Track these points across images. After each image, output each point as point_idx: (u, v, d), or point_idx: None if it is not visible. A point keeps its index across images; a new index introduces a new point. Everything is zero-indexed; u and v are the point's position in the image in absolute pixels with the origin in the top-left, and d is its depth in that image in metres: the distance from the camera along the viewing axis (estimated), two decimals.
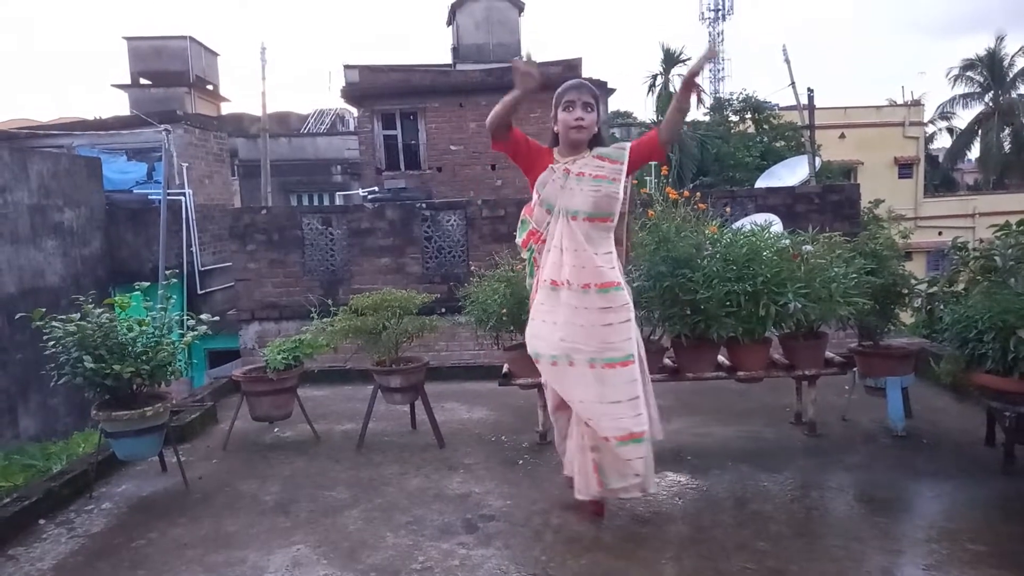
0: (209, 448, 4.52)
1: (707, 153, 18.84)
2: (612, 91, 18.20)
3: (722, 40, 37.73)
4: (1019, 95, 32.23)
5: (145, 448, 3.77)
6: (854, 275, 3.81)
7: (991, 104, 32.26)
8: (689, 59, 23.63)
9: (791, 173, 13.60)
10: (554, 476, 3.73)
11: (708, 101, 24.95)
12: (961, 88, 33.00)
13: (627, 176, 3.18)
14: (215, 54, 23.03)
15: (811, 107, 14.97)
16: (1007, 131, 32.04)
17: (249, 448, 4.48)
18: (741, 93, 21.98)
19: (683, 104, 3.13)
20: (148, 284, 4.12)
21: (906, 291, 4.16)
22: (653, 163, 3.33)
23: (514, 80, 2.95)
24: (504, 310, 4.07)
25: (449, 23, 19.52)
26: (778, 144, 19.99)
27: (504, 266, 4.38)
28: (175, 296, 4.17)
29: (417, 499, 3.53)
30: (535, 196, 3.23)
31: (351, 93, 16.63)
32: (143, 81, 20.98)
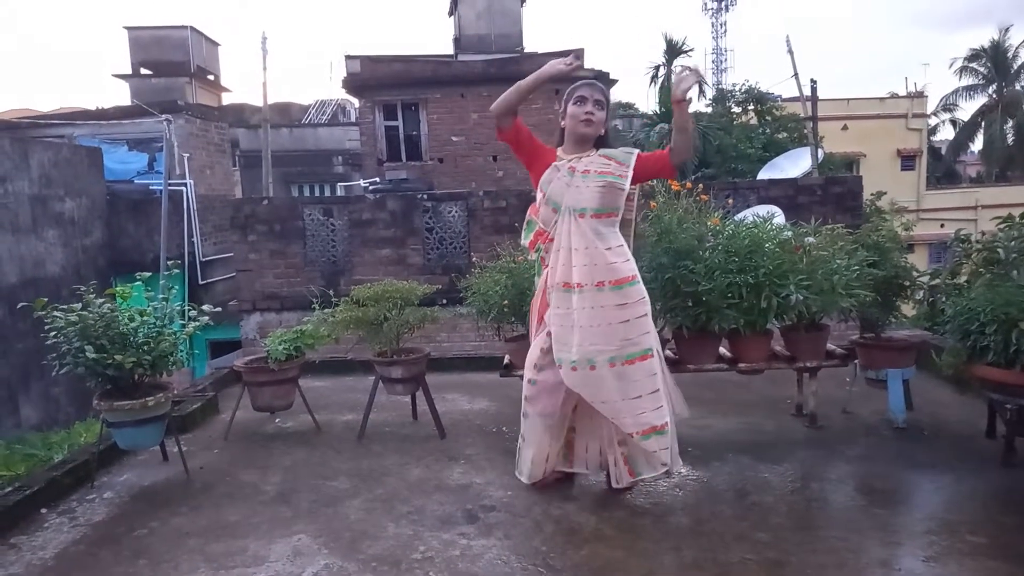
0: (210, 438, 4.53)
1: (709, 144, 18.77)
2: (614, 82, 18.12)
3: (724, 31, 37.57)
4: (1023, 87, 32.10)
5: (146, 438, 3.78)
6: (856, 267, 3.81)
7: (995, 96, 32.14)
8: (692, 50, 23.58)
9: (793, 165, 13.55)
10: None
11: (710, 92, 24.88)
12: (967, 80, 32.90)
13: (634, 182, 3.18)
14: (216, 44, 22.95)
15: (814, 99, 14.90)
16: (1010, 123, 31.94)
17: (250, 438, 4.49)
18: (744, 84, 21.86)
19: (680, 123, 3.12)
20: (149, 274, 4.13)
21: (908, 283, 4.15)
22: (685, 158, 3.30)
23: (548, 71, 3.02)
24: (505, 301, 4.07)
25: (451, 13, 19.43)
26: (780, 136, 19.90)
27: (505, 257, 4.38)
28: (176, 286, 4.17)
29: (418, 489, 3.54)
30: (539, 195, 3.22)
31: (352, 83, 16.58)
32: (144, 71, 20.91)
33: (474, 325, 4.56)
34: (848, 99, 26.44)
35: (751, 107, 21.04)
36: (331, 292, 4.73)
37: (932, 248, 22.50)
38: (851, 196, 10.27)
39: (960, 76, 33.14)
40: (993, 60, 31.80)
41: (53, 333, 3.54)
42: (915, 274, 4.17)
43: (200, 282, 12.88)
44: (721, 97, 22.75)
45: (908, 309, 4.51)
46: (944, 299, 3.94)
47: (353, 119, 22.51)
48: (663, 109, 19.83)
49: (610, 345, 3.04)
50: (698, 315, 3.80)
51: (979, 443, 3.84)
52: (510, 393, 5.02)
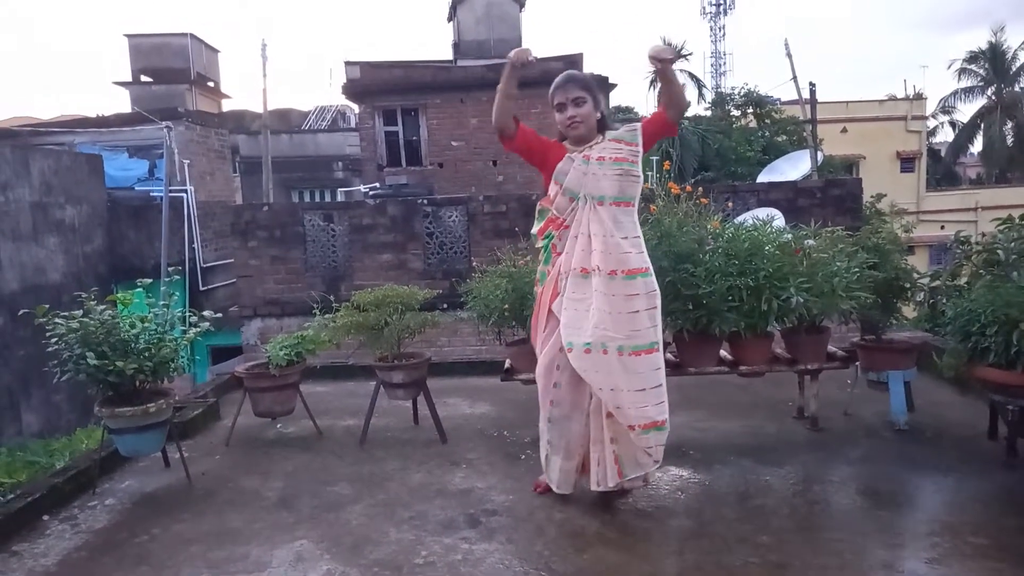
0: (212, 444, 4.52)
1: (708, 148, 18.79)
2: (613, 86, 18.15)
3: (723, 35, 37.65)
4: (1022, 88, 32.13)
5: (148, 444, 3.78)
6: (856, 269, 3.81)
7: (993, 98, 32.17)
8: (691, 54, 23.61)
9: (793, 167, 13.57)
10: None
11: (709, 96, 24.89)
12: (965, 82, 32.93)
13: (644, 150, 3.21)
14: (216, 51, 22.99)
15: (813, 101, 14.92)
16: (1009, 125, 31.96)
17: (252, 444, 4.48)
18: (743, 88, 21.91)
19: (664, 78, 3.13)
20: (150, 281, 4.13)
21: (908, 285, 4.15)
22: (653, 158, 3.33)
23: (511, 61, 3.08)
24: (506, 306, 4.07)
25: (450, 19, 19.47)
26: (780, 139, 19.94)
27: (506, 262, 4.38)
28: (177, 293, 4.18)
29: (420, 494, 3.53)
30: (554, 187, 3.20)
31: (352, 89, 16.61)
32: (144, 78, 20.95)
33: (475, 329, 4.56)
34: (847, 102, 26.50)
35: (750, 110, 21.08)
36: (332, 297, 4.73)
37: (932, 250, 22.51)
38: (851, 198, 10.28)
39: (959, 78, 33.21)
40: (992, 62, 31.84)
41: (54, 340, 3.54)
42: (915, 276, 4.17)
43: (201, 288, 12.89)
44: (720, 100, 22.80)
45: (909, 311, 4.52)
46: (944, 301, 3.94)
47: (353, 125, 22.55)
48: None
49: (619, 333, 3.02)
50: (699, 318, 3.80)
51: (981, 444, 3.83)
52: (511, 397, 5.03)
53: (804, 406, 4.38)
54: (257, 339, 10.09)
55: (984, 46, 32.08)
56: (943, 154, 35.44)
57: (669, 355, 4.13)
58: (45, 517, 3.40)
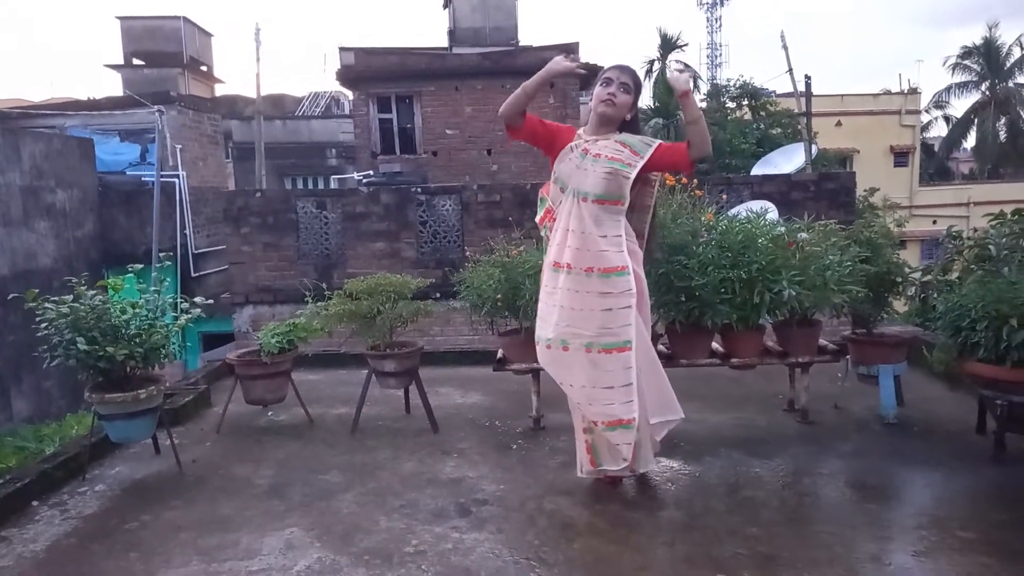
0: (203, 431, 4.52)
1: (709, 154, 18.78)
2: None
3: (719, 26, 37.54)
4: (1016, 84, 32.22)
5: (138, 431, 3.76)
6: (848, 263, 3.82)
7: (987, 93, 32.23)
8: (686, 45, 23.59)
9: (787, 160, 13.57)
10: (547, 461, 3.75)
11: (705, 87, 24.87)
12: (959, 77, 32.98)
13: (648, 171, 3.20)
14: (209, 35, 22.79)
15: (808, 94, 14.91)
16: (1003, 120, 32.04)
17: (243, 431, 4.48)
18: (738, 80, 21.88)
19: (689, 116, 3.12)
20: (141, 266, 4.10)
21: (900, 279, 4.17)
22: (703, 154, 3.30)
23: (552, 68, 3.08)
24: (499, 295, 4.07)
25: (445, 6, 19.35)
26: (774, 131, 19.94)
27: (499, 251, 4.37)
28: (169, 279, 4.16)
29: (411, 483, 3.54)
30: (553, 174, 3.25)
31: (346, 76, 16.51)
32: (136, 61, 20.77)
33: (467, 319, 4.56)
34: (842, 95, 26.49)
35: (745, 102, 21.06)
36: (324, 285, 4.72)
37: (924, 244, 22.59)
38: (844, 192, 10.30)
39: (953, 73, 33.25)
40: (986, 57, 31.89)
41: (44, 325, 3.51)
42: (907, 270, 4.18)
43: (192, 275, 12.83)
44: (715, 92, 22.78)
45: (900, 305, 4.54)
46: (936, 295, 3.96)
47: (347, 111, 22.44)
48: (658, 104, 19.84)
49: (588, 330, 3.05)
50: (691, 310, 3.81)
51: (970, 439, 3.86)
52: (503, 387, 5.04)
53: (795, 399, 4.40)
54: (249, 326, 10.07)
55: (979, 41, 32.13)
56: (936, 149, 35.53)
57: (661, 347, 4.14)
58: (35, 503, 3.39)
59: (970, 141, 34.30)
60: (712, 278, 3.69)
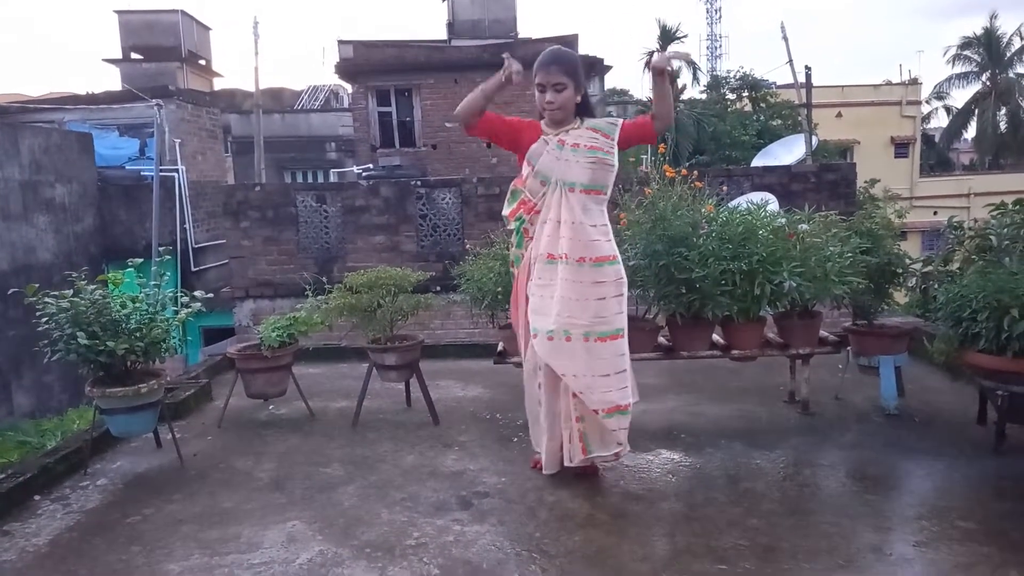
0: (204, 425, 4.52)
1: (704, 131, 18.75)
2: (608, 68, 18.08)
3: (719, 17, 37.46)
4: (1016, 75, 32.13)
5: (139, 425, 3.77)
6: (849, 254, 3.81)
7: (988, 83, 32.15)
8: (686, 36, 23.45)
9: (788, 152, 13.55)
10: None
11: (704, 79, 24.79)
12: (960, 67, 32.89)
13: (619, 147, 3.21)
14: (207, 28, 22.73)
15: (808, 85, 14.89)
16: (1003, 111, 31.97)
17: (244, 425, 4.48)
18: (738, 71, 21.83)
19: (660, 91, 3.12)
20: (141, 261, 4.10)
21: (901, 270, 4.16)
22: (667, 121, 3.31)
23: (504, 75, 3.03)
24: (499, 288, 4.06)
25: None
26: (775, 123, 19.91)
27: (499, 244, 4.36)
28: (169, 273, 4.15)
29: (412, 476, 3.54)
30: (526, 168, 3.22)
31: (345, 69, 16.49)
32: (134, 56, 20.72)
33: (468, 312, 4.55)
34: (842, 86, 26.44)
35: (746, 94, 21.02)
36: (324, 279, 4.71)
37: (925, 235, 22.56)
38: (845, 183, 10.29)
39: (953, 64, 33.16)
40: (987, 48, 31.79)
41: (45, 320, 3.51)
42: (908, 261, 4.18)
43: (192, 269, 12.84)
44: (716, 84, 22.73)
45: (900, 296, 4.53)
46: (936, 286, 3.95)
47: (346, 105, 22.39)
48: None
49: (583, 319, 3.07)
50: (692, 302, 3.81)
51: (970, 430, 3.86)
52: (504, 380, 5.03)
53: (795, 390, 4.40)
54: (249, 320, 10.08)
55: (979, 32, 32.04)
56: (937, 140, 35.47)
57: (662, 339, 4.14)
58: (36, 497, 3.40)
59: (971, 132, 34.25)
60: (713, 270, 3.68)
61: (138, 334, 3.60)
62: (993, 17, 31.80)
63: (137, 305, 3.71)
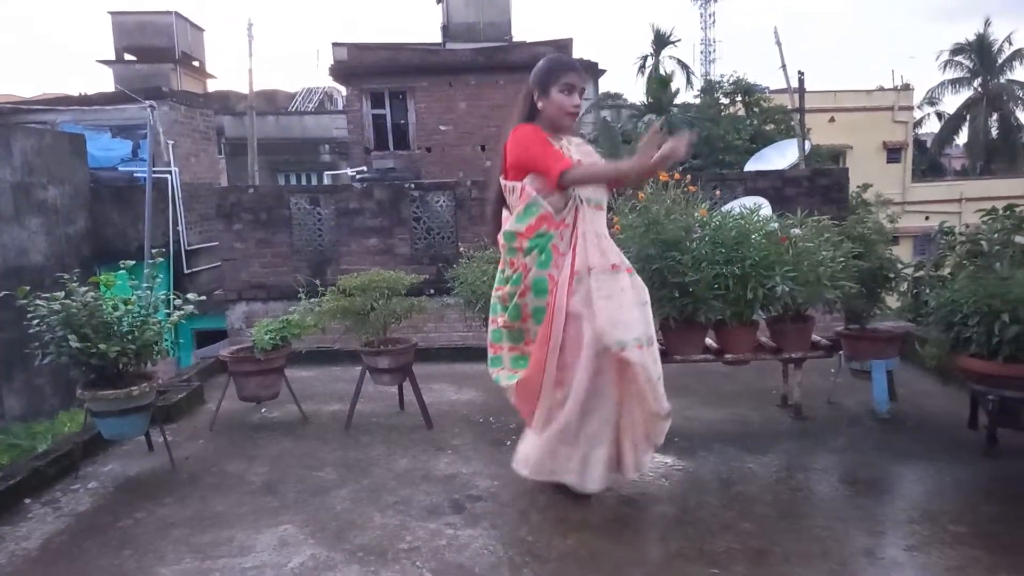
0: (196, 428, 4.50)
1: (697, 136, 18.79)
2: (602, 72, 18.12)
3: (713, 22, 37.60)
4: (1007, 81, 32.34)
5: (131, 428, 3.75)
6: (841, 259, 3.83)
7: (979, 89, 32.35)
8: (679, 40, 23.57)
9: (781, 156, 13.61)
10: None
11: (698, 83, 24.84)
12: (951, 73, 33.10)
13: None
14: (201, 30, 22.72)
15: (801, 90, 14.93)
16: (995, 117, 32.17)
17: (236, 428, 4.47)
18: (732, 76, 21.90)
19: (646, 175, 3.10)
20: (134, 263, 4.08)
21: (893, 275, 4.18)
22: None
23: (648, 156, 2.69)
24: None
25: (439, 1, 19.31)
26: (768, 127, 19.97)
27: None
28: (161, 275, 4.14)
29: (405, 480, 3.53)
30: (541, 180, 2.90)
31: (339, 71, 16.48)
32: (128, 57, 20.68)
33: (461, 315, 4.56)
34: (835, 91, 26.53)
35: (739, 98, 21.08)
36: (318, 282, 4.70)
37: (917, 240, 22.67)
38: (837, 188, 10.34)
39: (945, 69, 33.37)
40: (979, 54, 32.00)
41: (36, 322, 3.50)
42: (900, 266, 4.20)
43: (185, 271, 12.80)
44: (709, 88, 22.78)
45: (892, 301, 4.55)
46: (928, 291, 3.97)
47: (340, 107, 22.38)
48: (650, 100, 19.83)
49: (644, 328, 2.97)
50: (685, 306, 3.81)
51: (962, 433, 3.87)
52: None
53: (788, 394, 4.41)
54: (242, 323, 10.05)
55: (971, 38, 32.23)
56: (929, 145, 35.65)
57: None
58: (27, 500, 3.38)
59: (962, 137, 34.46)
60: (706, 274, 3.69)
61: (130, 336, 3.58)
62: (987, 24, 31.99)
63: (129, 307, 3.69)
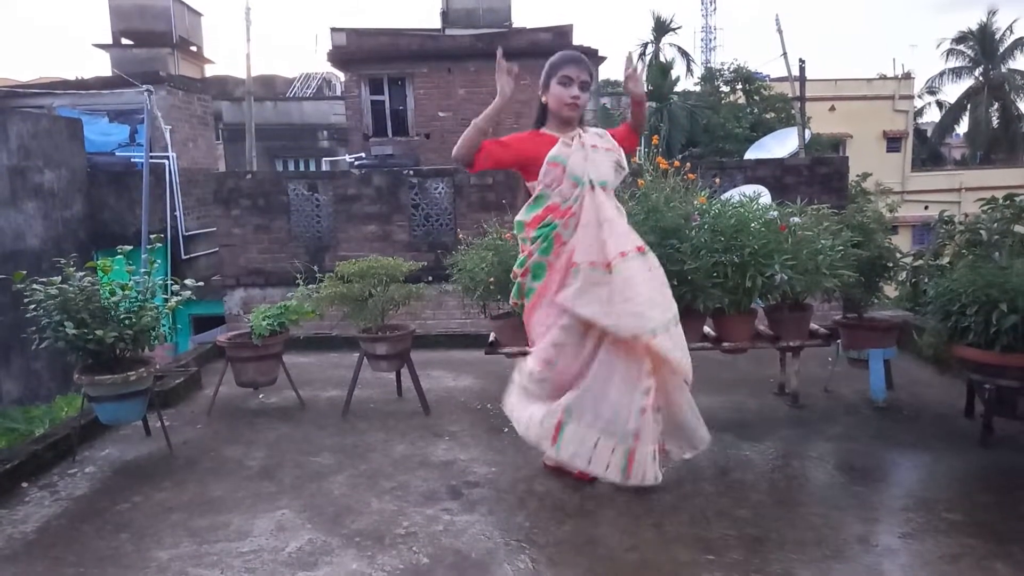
0: (193, 413, 4.51)
1: (696, 124, 18.74)
2: (603, 59, 18.01)
3: (714, 9, 37.41)
4: (1009, 70, 32.24)
5: (128, 412, 3.75)
6: (840, 248, 3.82)
7: (980, 78, 32.25)
8: (680, 27, 23.47)
9: (780, 145, 13.59)
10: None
11: (698, 71, 24.74)
12: (953, 62, 32.99)
13: None
14: (199, 14, 22.55)
15: (802, 79, 14.88)
16: (995, 106, 32.09)
17: (234, 414, 4.47)
18: (732, 64, 21.82)
19: (639, 103, 3.22)
20: (131, 248, 4.06)
21: (891, 264, 4.18)
22: (643, 133, 3.38)
23: (498, 81, 2.94)
24: (491, 279, 4.06)
25: None
26: (768, 116, 19.93)
27: (492, 234, 4.35)
28: (159, 260, 4.13)
29: (402, 465, 3.54)
30: (553, 171, 2.97)
31: (338, 57, 16.37)
32: (125, 41, 20.54)
33: (460, 302, 4.56)
34: (836, 80, 26.47)
35: (739, 86, 21.02)
36: (316, 268, 4.71)
37: (916, 230, 22.70)
38: (837, 177, 10.31)
39: (947, 58, 33.26)
40: (980, 42, 31.87)
41: (33, 307, 3.49)
42: (898, 255, 4.20)
43: (183, 257, 12.78)
44: (709, 76, 22.72)
45: (891, 290, 4.56)
46: (926, 280, 3.97)
47: (339, 93, 22.28)
48: (650, 87, 19.76)
49: (669, 308, 2.97)
50: (683, 294, 3.80)
51: (958, 422, 3.89)
52: (495, 370, 5.04)
53: (785, 383, 4.42)
54: (240, 309, 10.04)
55: (974, 26, 32.11)
56: (929, 134, 35.58)
57: None
58: (24, 484, 3.38)
59: (962, 127, 34.38)
60: (704, 262, 3.69)
61: (127, 322, 3.58)
62: (992, 13, 31.88)
63: (126, 293, 3.69)
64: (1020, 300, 3.22)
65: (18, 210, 10.67)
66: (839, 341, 4.35)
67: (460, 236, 4.91)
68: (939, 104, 35.28)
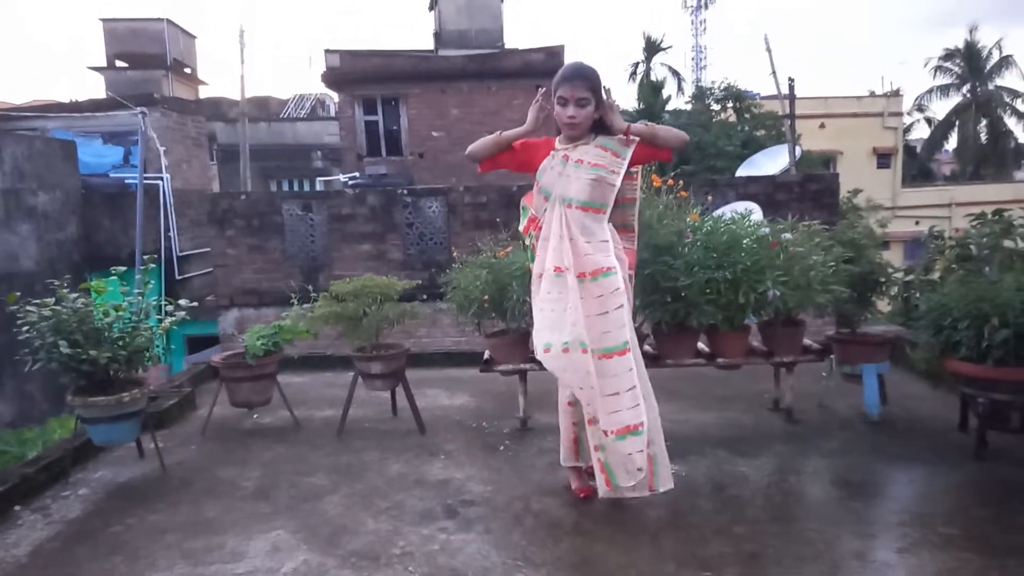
0: (187, 434, 4.49)
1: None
2: None
3: (704, 28, 37.74)
4: (996, 86, 32.61)
5: (122, 434, 3.73)
6: (832, 263, 3.85)
7: (968, 95, 32.61)
8: (670, 47, 23.70)
9: (772, 162, 13.66)
10: (535, 462, 3.75)
11: (689, 90, 24.94)
12: (941, 79, 33.37)
13: (632, 165, 3.17)
14: (193, 37, 22.66)
15: (792, 96, 15.00)
16: (984, 123, 32.42)
17: (228, 434, 4.45)
18: (723, 82, 22.01)
19: (654, 141, 3.17)
20: (125, 269, 4.07)
21: (883, 279, 4.21)
22: (668, 145, 3.31)
23: (529, 112, 3.13)
24: (486, 297, 4.07)
25: (431, 8, 19.36)
26: (759, 133, 20.07)
27: (486, 252, 4.37)
28: (153, 281, 4.12)
29: (398, 485, 3.53)
30: (535, 184, 3.18)
31: (332, 78, 16.48)
32: (119, 63, 20.62)
33: (454, 321, 4.55)
34: (826, 97, 26.69)
35: (730, 104, 21.18)
36: (310, 287, 4.70)
37: (907, 245, 22.74)
38: (828, 193, 10.37)
39: (935, 75, 33.63)
40: (967, 60, 32.27)
41: (26, 328, 3.48)
42: (890, 270, 4.22)
43: (177, 277, 12.74)
44: (700, 94, 22.89)
45: (883, 305, 4.58)
46: (918, 295, 4.00)
47: (332, 114, 22.40)
48: (643, 105, 19.91)
49: (591, 335, 2.94)
50: (677, 310, 3.83)
51: (952, 436, 3.90)
52: (490, 388, 5.04)
53: (780, 398, 4.43)
54: (234, 329, 10.01)
55: (960, 45, 32.53)
56: (919, 151, 35.89)
57: (647, 347, 4.16)
58: (17, 507, 3.36)
59: (951, 143, 34.70)
60: (698, 279, 3.71)
61: (121, 343, 3.57)
62: (973, 29, 32.31)
63: (120, 313, 3.68)
64: (1011, 314, 3.25)
65: (12, 232, 10.64)
66: (832, 356, 4.36)
67: (454, 254, 4.93)
68: (928, 121, 35.64)
